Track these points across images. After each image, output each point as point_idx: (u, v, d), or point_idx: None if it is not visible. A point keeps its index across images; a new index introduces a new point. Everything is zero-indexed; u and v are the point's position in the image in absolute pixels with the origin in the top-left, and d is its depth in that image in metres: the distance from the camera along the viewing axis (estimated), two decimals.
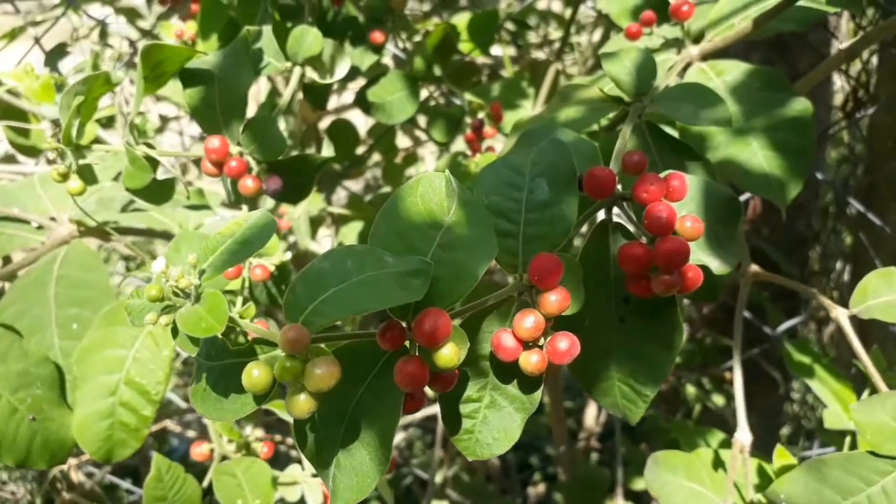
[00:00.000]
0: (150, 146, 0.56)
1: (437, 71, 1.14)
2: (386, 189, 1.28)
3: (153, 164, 0.54)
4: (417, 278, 0.32)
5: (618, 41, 0.68)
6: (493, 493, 1.57)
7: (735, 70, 0.61)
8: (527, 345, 0.37)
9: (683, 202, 0.43)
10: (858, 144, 1.27)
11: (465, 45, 1.24)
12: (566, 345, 0.37)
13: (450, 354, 0.32)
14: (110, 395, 0.60)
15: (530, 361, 0.37)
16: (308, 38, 0.60)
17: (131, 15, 1.69)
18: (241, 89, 0.54)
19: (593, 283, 0.44)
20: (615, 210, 0.44)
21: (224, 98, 0.54)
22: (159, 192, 0.58)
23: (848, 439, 0.80)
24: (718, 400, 1.65)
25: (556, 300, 0.36)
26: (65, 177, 0.55)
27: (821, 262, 1.47)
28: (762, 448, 1.49)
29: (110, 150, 0.54)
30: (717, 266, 0.44)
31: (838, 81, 1.38)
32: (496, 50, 1.40)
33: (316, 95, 0.67)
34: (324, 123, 1.40)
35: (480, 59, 1.39)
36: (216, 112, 0.54)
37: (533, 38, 1.57)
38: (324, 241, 1.37)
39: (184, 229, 0.53)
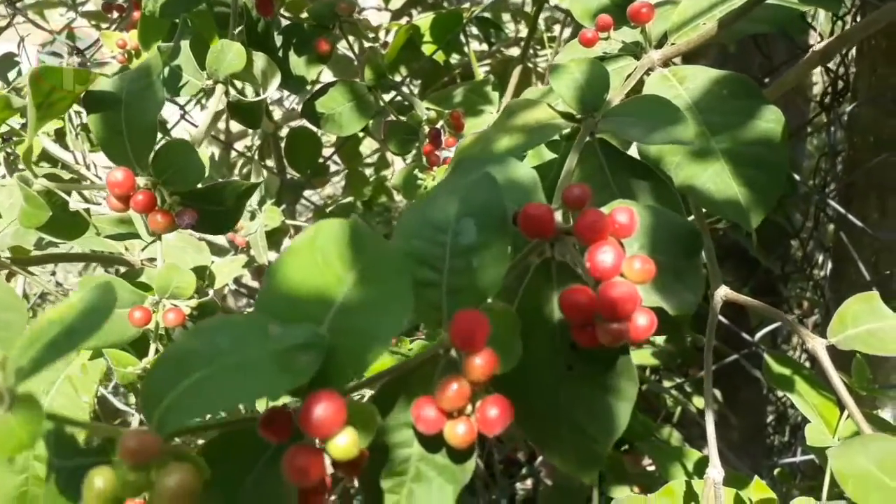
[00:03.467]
0: (56, 178, 0.51)
1: (398, 76, 1.09)
2: (349, 199, 1.23)
3: (56, 198, 0.49)
4: (307, 354, 0.27)
5: (573, 48, 0.63)
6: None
7: (700, 76, 0.56)
8: (451, 414, 0.32)
9: (635, 237, 0.38)
10: (838, 140, 1.23)
11: (427, 48, 1.19)
12: (496, 413, 0.32)
13: (346, 445, 0.27)
14: None
15: (456, 433, 0.32)
16: (229, 53, 0.54)
17: (98, 18, 1.63)
18: (150, 114, 0.48)
19: (536, 328, 0.39)
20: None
21: (132, 124, 0.48)
22: (70, 226, 0.53)
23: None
24: (699, 402, 1.61)
25: (480, 364, 0.31)
26: None
27: (801, 259, 1.43)
28: (749, 450, 1.45)
29: (6, 186, 0.49)
30: (674, 307, 0.39)
31: (816, 72, 1.33)
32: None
33: (245, 113, 0.61)
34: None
35: (454, 58, 1.34)
36: (123, 139, 0.48)
37: (507, 32, 1.52)
38: None
39: (105, 278, 0.48)
